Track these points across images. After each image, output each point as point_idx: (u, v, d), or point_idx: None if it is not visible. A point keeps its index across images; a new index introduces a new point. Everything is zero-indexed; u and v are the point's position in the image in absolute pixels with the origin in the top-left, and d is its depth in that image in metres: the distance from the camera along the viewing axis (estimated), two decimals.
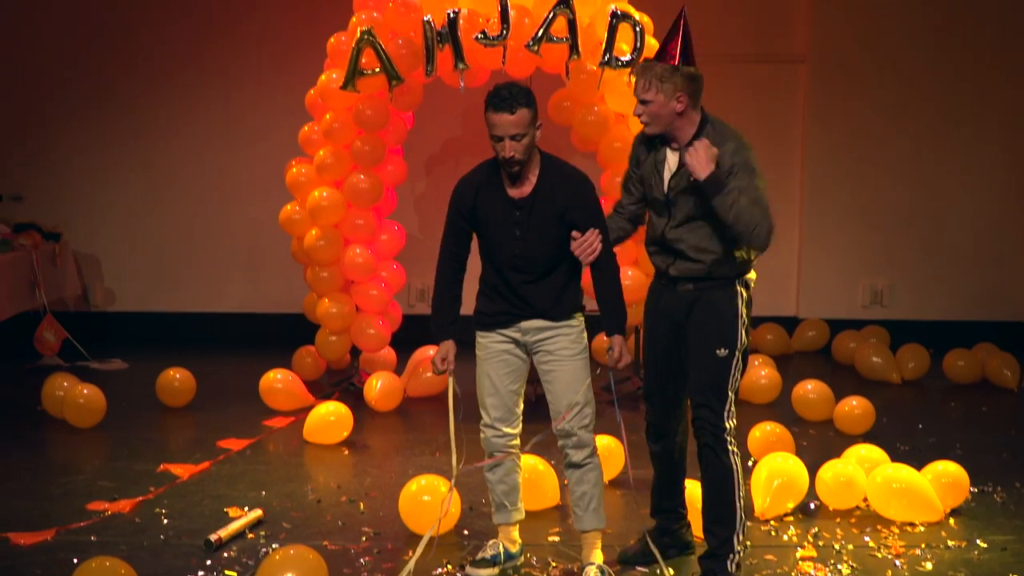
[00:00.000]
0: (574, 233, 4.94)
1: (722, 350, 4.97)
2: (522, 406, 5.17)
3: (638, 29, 7.67)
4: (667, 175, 5.02)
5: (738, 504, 5.01)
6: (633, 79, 5.03)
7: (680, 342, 5.09)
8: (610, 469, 6.18)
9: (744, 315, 5.02)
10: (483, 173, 5.03)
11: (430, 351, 8.68)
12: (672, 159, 5.02)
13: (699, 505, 5.19)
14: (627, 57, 7.64)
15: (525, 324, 5.01)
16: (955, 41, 10.17)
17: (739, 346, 5.00)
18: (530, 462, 5.89)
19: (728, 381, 4.99)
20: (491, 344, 5.07)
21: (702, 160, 4.81)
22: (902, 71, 10.20)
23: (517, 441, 5.16)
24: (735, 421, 5.03)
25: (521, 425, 5.17)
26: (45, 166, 10.36)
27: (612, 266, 5.03)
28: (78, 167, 10.36)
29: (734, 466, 5.00)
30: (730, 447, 5.00)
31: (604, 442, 6.09)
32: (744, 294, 5.03)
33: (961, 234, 10.36)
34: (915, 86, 10.21)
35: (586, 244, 4.93)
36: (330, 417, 7.30)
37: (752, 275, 5.07)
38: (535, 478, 5.88)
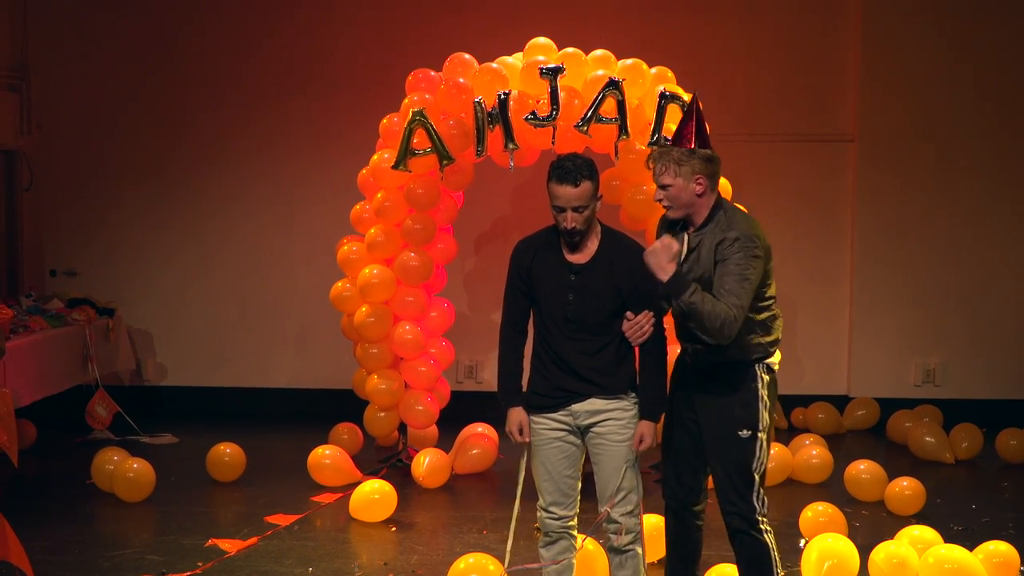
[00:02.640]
0: (628, 314, 4.94)
1: (744, 431, 4.95)
2: (579, 488, 5.13)
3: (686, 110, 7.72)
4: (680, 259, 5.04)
5: None
6: (651, 165, 5.05)
7: (699, 419, 5.08)
8: (658, 549, 6.10)
9: (765, 397, 4.99)
10: (543, 236, 5.09)
11: (479, 428, 8.67)
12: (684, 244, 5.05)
13: None
14: None
15: (577, 407, 4.99)
16: (1004, 120, 10.14)
17: (761, 427, 4.97)
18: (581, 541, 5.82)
19: (753, 463, 4.96)
20: (545, 431, 5.05)
21: (662, 262, 4.81)
22: (950, 150, 10.17)
23: (574, 522, 5.13)
24: (766, 501, 4.99)
25: (578, 506, 5.13)
26: (98, 241, 10.52)
27: (659, 351, 5.01)
28: (131, 242, 10.51)
29: (770, 544, 4.96)
30: (763, 526, 4.97)
31: (653, 521, 6.01)
32: (765, 378, 5.00)
33: (1012, 313, 10.24)
34: (963, 165, 10.17)
35: (637, 327, 4.94)
36: (374, 495, 7.28)
37: (775, 358, 5.05)
38: (586, 558, 5.81)
